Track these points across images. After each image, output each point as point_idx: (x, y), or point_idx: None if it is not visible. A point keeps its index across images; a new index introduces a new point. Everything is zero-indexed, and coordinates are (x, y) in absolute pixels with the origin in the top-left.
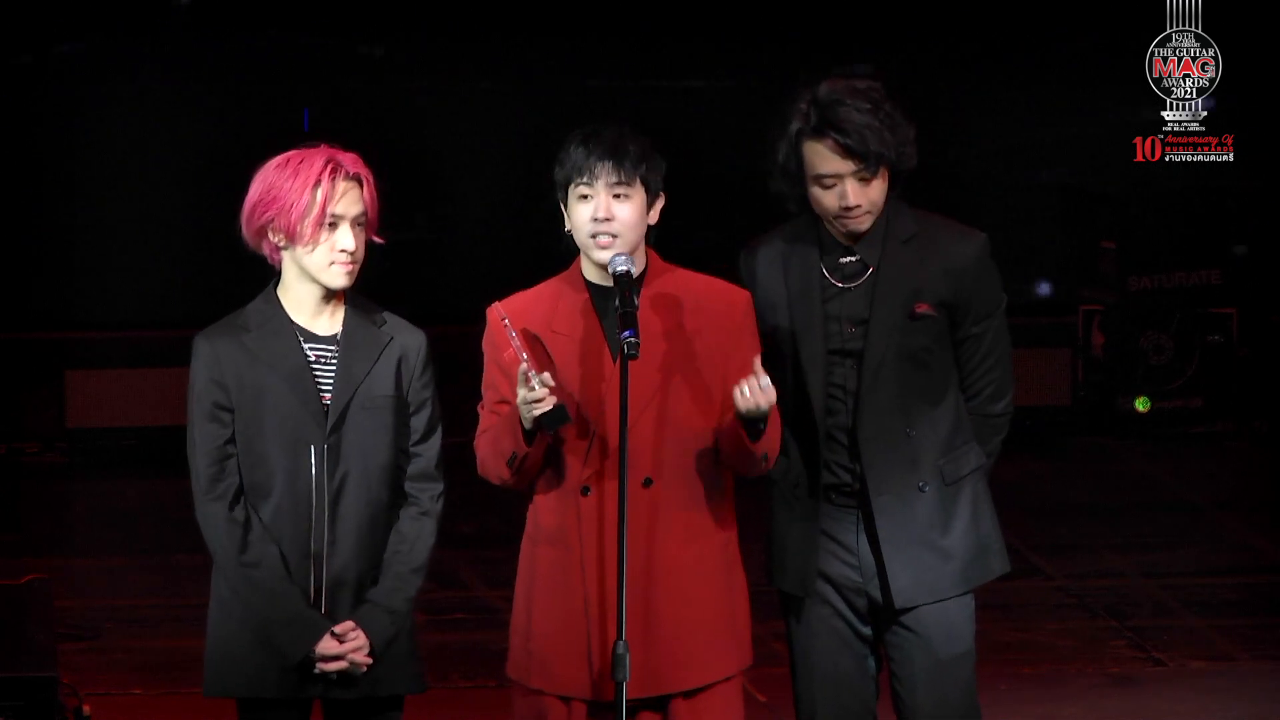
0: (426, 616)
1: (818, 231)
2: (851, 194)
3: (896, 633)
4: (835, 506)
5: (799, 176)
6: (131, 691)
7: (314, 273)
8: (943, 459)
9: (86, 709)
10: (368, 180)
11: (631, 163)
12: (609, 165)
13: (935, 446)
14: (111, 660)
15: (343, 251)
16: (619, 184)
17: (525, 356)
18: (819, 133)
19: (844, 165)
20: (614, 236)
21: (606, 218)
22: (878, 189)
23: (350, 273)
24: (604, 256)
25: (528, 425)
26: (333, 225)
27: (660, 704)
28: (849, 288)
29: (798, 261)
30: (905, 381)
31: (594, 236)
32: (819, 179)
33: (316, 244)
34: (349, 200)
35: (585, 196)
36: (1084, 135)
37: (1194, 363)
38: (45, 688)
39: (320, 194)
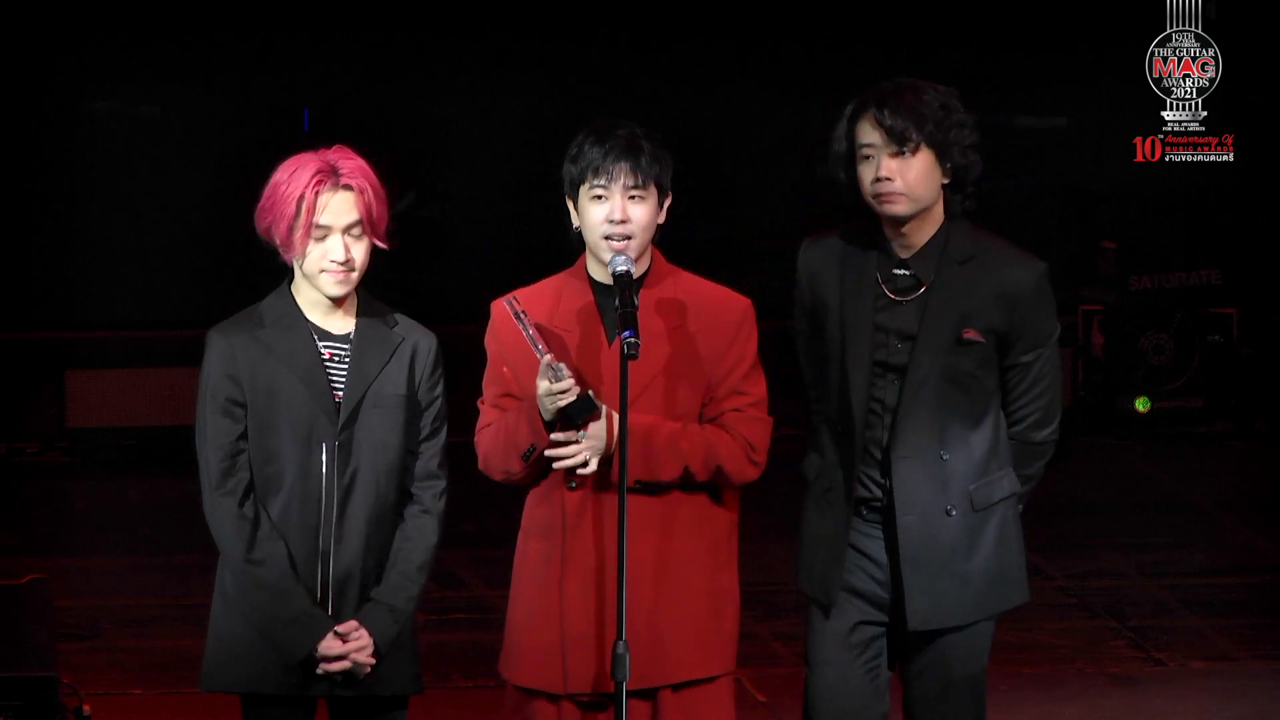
0: (426, 616)
1: (876, 238)
2: (884, 166)
3: (915, 649)
4: (864, 520)
5: (850, 158)
6: (131, 691)
7: (309, 279)
8: (974, 484)
9: (86, 708)
10: (364, 188)
11: (647, 164)
12: (625, 167)
13: (968, 471)
14: (111, 660)
15: (332, 261)
16: (635, 186)
17: (541, 347)
18: (866, 108)
19: (879, 136)
20: (628, 238)
21: (622, 220)
22: (916, 172)
23: (342, 281)
24: (616, 258)
25: (548, 417)
26: (321, 235)
27: (649, 699)
28: (901, 301)
29: (855, 266)
30: (945, 403)
31: (607, 238)
32: (860, 150)
33: (305, 254)
34: (338, 210)
35: (600, 197)
36: (1084, 135)
37: (1194, 362)
38: (45, 687)
39: (304, 206)
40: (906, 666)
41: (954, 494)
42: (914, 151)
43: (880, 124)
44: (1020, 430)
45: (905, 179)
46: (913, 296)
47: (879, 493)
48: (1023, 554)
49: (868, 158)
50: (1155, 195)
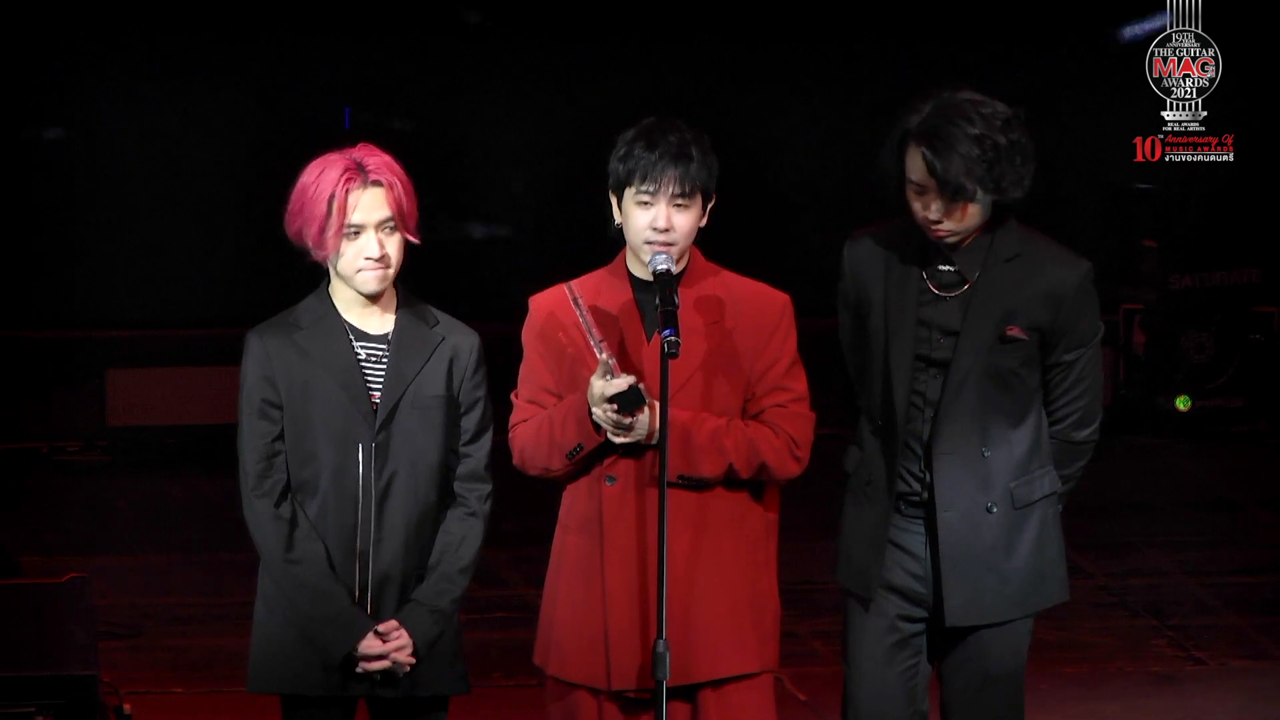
0: (467, 615)
1: (921, 234)
2: (934, 209)
3: (953, 645)
4: (904, 516)
5: (899, 174)
6: (172, 690)
7: (346, 278)
8: (1015, 481)
9: (127, 707)
10: (393, 183)
11: (694, 171)
12: (674, 175)
13: (1009, 468)
14: (152, 659)
15: (368, 259)
16: (681, 195)
17: (597, 335)
18: (919, 140)
19: (930, 181)
20: (670, 244)
21: (666, 228)
22: (970, 215)
23: (380, 278)
24: (657, 256)
25: (598, 416)
26: (355, 234)
27: (690, 696)
28: (945, 297)
29: (899, 261)
30: (987, 399)
31: (649, 243)
32: (911, 183)
33: (341, 254)
34: (369, 207)
35: (646, 203)
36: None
37: (1235, 361)
38: (86, 686)
39: (335, 206)
40: (945, 662)
41: (995, 491)
42: (968, 203)
43: (932, 173)
44: (1061, 429)
45: (957, 219)
46: (957, 292)
47: (919, 488)
48: (1063, 552)
49: (919, 193)
50: (1197, 194)
